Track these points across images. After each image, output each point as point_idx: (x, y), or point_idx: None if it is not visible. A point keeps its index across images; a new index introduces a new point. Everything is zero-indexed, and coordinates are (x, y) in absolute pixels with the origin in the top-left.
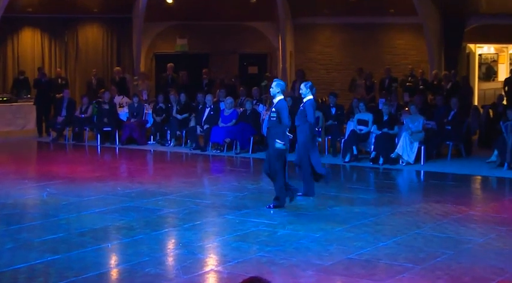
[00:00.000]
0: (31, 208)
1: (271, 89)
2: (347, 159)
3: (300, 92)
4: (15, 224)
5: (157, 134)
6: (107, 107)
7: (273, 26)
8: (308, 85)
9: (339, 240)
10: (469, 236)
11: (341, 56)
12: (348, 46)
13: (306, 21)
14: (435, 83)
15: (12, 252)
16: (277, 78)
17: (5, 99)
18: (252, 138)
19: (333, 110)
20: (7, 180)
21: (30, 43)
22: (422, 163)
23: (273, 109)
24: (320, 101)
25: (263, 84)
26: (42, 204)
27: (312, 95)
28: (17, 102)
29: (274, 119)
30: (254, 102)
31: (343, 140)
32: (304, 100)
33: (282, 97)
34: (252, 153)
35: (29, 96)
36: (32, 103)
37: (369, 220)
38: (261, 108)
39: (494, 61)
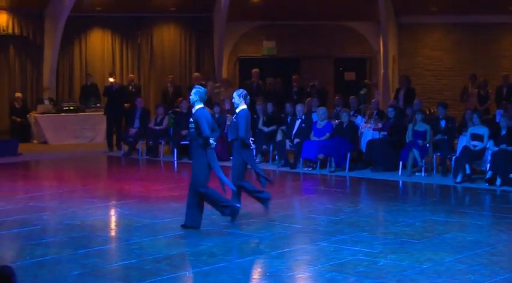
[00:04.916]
0: (100, 231)
1: (190, 96)
2: (459, 180)
3: (232, 101)
4: (82, 248)
5: None
6: (184, 117)
7: (373, 27)
8: (241, 93)
9: (450, 272)
10: None
11: (452, 60)
12: (460, 49)
13: (412, 20)
14: None
15: (79, 279)
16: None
17: (71, 108)
18: (349, 154)
19: (443, 123)
20: (74, 199)
21: (99, 45)
22: None
23: (191, 119)
24: (428, 112)
25: (362, 92)
26: (112, 226)
27: (246, 104)
28: (85, 111)
29: (193, 130)
30: (351, 113)
31: (454, 157)
32: (237, 110)
33: (201, 105)
34: (348, 171)
35: (98, 105)
36: (102, 113)
37: (484, 250)
38: (359, 120)
39: None
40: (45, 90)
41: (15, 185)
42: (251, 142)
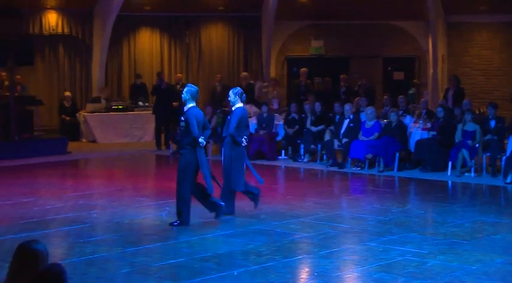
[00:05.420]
0: (149, 230)
1: (182, 95)
2: (509, 180)
3: (228, 99)
4: (131, 246)
5: (289, 148)
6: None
7: (422, 26)
8: (237, 92)
9: (500, 273)
10: None
11: (502, 60)
12: (509, 48)
13: (461, 19)
14: None
15: (128, 278)
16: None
17: (120, 107)
18: (397, 154)
19: (492, 123)
20: (123, 198)
21: (147, 45)
22: None
23: (182, 118)
24: (477, 111)
25: (411, 92)
26: (161, 224)
27: (242, 102)
28: (133, 110)
29: (183, 128)
30: (400, 112)
31: (504, 158)
32: (233, 108)
33: (193, 104)
34: (397, 171)
35: (146, 104)
36: (151, 112)
37: None
38: (408, 119)
39: None
40: (101, 90)
41: (65, 183)
42: (243, 140)
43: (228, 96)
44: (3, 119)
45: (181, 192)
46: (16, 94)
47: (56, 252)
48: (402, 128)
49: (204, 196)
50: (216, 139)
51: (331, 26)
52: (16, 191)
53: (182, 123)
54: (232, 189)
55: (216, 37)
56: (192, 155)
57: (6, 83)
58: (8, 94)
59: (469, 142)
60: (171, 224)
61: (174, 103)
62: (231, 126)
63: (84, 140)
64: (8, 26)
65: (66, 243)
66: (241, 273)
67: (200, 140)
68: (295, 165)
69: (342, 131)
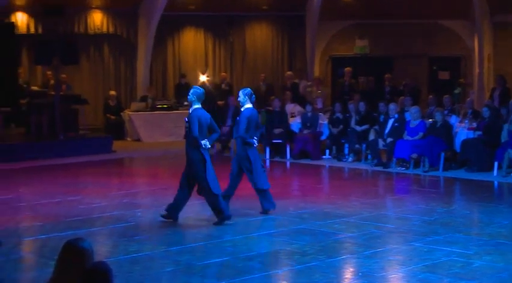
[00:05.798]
0: (193, 228)
1: (188, 96)
2: None
3: (238, 99)
4: (175, 245)
5: (334, 148)
6: (277, 116)
7: (468, 25)
8: (247, 92)
9: None
10: None
11: None
12: None
13: (506, 19)
14: None
15: (173, 276)
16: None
17: (165, 106)
18: (442, 154)
19: None
20: (167, 196)
21: (192, 44)
22: None
23: (186, 119)
24: None
25: (456, 91)
26: (205, 223)
27: (252, 103)
28: (178, 109)
29: (187, 129)
30: (445, 112)
31: None
32: (242, 109)
33: (198, 106)
34: (442, 171)
35: None
36: None
37: None
38: (453, 119)
39: None
40: (148, 89)
41: (110, 182)
42: (254, 141)
43: (238, 96)
44: (49, 118)
45: (209, 191)
46: (61, 93)
47: (101, 250)
48: (447, 128)
49: (186, 199)
50: (261, 138)
51: (376, 25)
52: (62, 190)
53: (186, 124)
54: (259, 188)
55: (260, 36)
56: (197, 155)
57: (52, 82)
58: (53, 93)
59: None
60: (217, 223)
61: (219, 102)
62: (240, 129)
63: (128, 139)
64: (53, 25)
65: (111, 241)
66: (286, 272)
67: (203, 142)
68: (339, 164)
69: (387, 131)
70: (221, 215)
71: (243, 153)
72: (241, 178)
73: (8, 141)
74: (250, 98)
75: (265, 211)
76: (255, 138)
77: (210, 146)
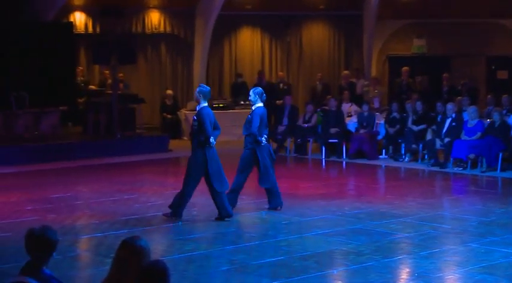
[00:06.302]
0: (248, 228)
1: (195, 94)
2: None
3: (249, 98)
4: (230, 244)
5: (390, 148)
6: (333, 115)
7: None
8: (257, 91)
9: None
10: None
11: None
12: None
13: None
14: None
15: (227, 275)
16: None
17: (221, 105)
18: (501, 154)
19: None
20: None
21: (248, 43)
22: None
23: (194, 117)
24: None
25: None
26: (260, 223)
27: (262, 102)
28: (234, 108)
29: (196, 127)
30: (504, 112)
31: None
32: (253, 108)
33: (205, 104)
34: (500, 171)
35: (247, 102)
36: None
37: None
38: None
39: None
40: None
41: (166, 181)
42: (263, 139)
43: (249, 95)
44: (106, 117)
45: (184, 188)
46: (119, 92)
47: (157, 248)
48: (506, 128)
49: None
50: (317, 138)
51: (434, 24)
52: (118, 188)
53: (195, 123)
54: (264, 186)
55: (316, 36)
56: (201, 154)
57: (109, 81)
58: (111, 92)
59: None
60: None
61: (278, 101)
62: (253, 125)
63: (185, 138)
64: (112, 25)
65: (166, 239)
66: (341, 272)
67: (211, 139)
68: (396, 164)
69: (444, 131)
70: (223, 212)
71: (251, 150)
72: (249, 174)
73: (65, 140)
74: (261, 97)
75: (273, 208)
76: (265, 136)
77: (215, 143)
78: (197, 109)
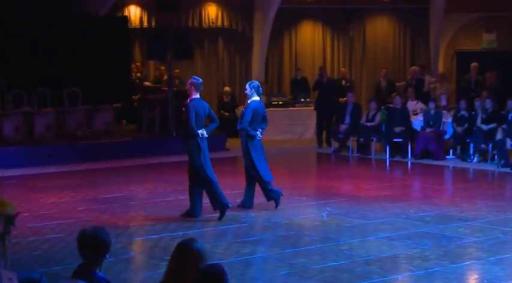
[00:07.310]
0: (309, 230)
1: (186, 86)
2: None
3: (245, 92)
4: (290, 248)
5: (458, 147)
6: (399, 113)
7: None
8: (253, 85)
9: None
10: None
11: None
12: None
13: None
14: None
15: (287, 279)
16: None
17: (280, 102)
18: None
19: None
20: (282, 197)
21: (309, 38)
22: None
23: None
24: None
25: None
26: (321, 225)
27: (259, 96)
28: (294, 106)
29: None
30: None
31: None
32: (248, 101)
33: (196, 96)
34: None
35: (308, 99)
36: (312, 108)
37: None
38: None
39: None
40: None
41: (223, 181)
42: (257, 133)
43: (245, 89)
44: (162, 114)
45: (206, 178)
46: (174, 88)
47: (213, 251)
48: None
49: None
50: (381, 137)
51: (505, 18)
52: (173, 188)
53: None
54: (261, 180)
55: (380, 30)
56: (193, 143)
57: (165, 77)
58: (166, 88)
59: None
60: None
61: (341, 98)
62: (244, 120)
63: None
64: (168, 19)
65: (223, 242)
66: (406, 278)
67: (200, 131)
68: (464, 165)
69: None
70: (218, 204)
71: (245, 145)
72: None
73: (118, 138)
74: (257, 91)
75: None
76: (259, 130)
77: (207, 135)
78: (187, 101)
